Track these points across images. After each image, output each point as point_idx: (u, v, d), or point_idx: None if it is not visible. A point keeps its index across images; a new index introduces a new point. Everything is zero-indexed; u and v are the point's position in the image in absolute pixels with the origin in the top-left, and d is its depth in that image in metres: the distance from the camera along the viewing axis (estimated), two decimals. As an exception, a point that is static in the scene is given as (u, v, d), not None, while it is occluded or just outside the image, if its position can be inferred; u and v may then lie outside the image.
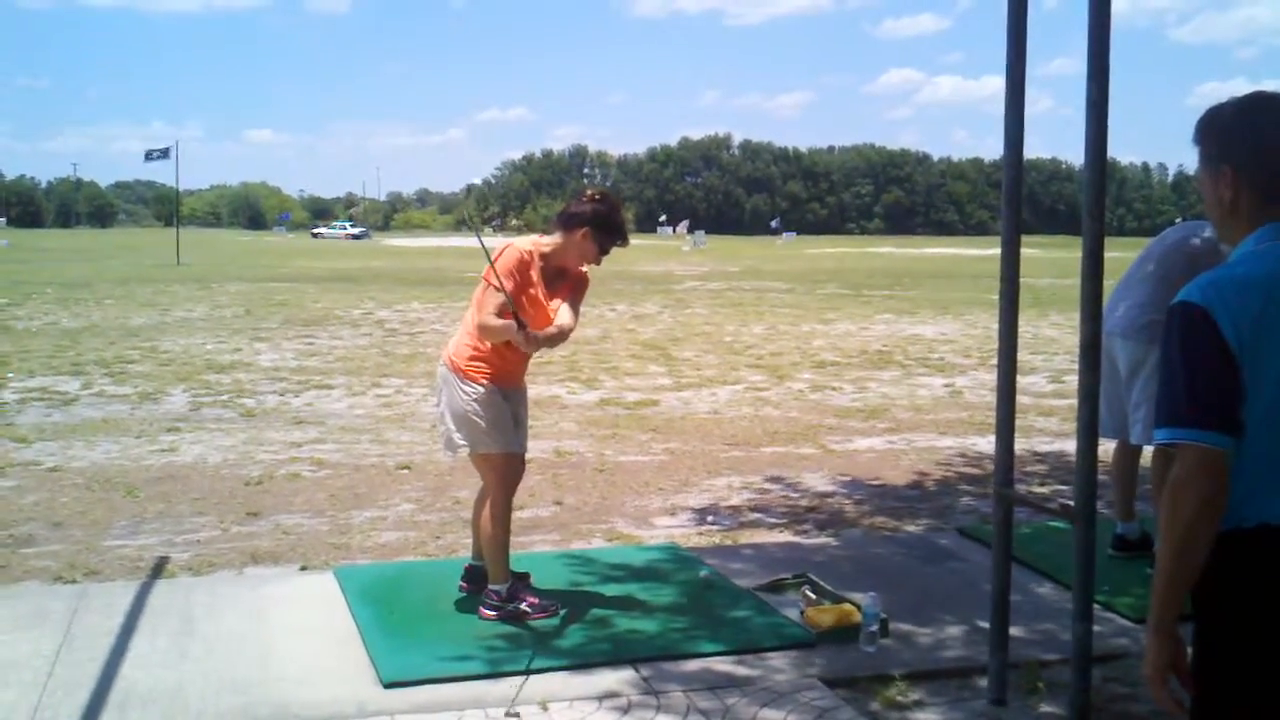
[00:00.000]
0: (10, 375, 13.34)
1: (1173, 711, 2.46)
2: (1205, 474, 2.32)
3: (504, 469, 5.24)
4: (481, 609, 5.21)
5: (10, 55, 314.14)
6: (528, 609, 5.19)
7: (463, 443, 5.18)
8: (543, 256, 5.23)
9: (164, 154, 48.88)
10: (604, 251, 5.31)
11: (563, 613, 5.24)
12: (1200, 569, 2.37)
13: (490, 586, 5.24)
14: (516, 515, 7.19)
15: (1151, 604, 2.44)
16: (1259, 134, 2.47)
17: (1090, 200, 3.85)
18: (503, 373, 5.21)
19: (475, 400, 5.13)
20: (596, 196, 5.34)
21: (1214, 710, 2.47)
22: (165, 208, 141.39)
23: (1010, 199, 4.33)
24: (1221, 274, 2.41)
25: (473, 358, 5.16)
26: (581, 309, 5.37)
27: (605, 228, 5.25)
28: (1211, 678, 2.46)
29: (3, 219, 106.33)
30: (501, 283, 4.96)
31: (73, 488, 7.88)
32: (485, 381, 5.15)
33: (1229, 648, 2.43)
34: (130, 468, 8.55)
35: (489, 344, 5.14)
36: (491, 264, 5.01)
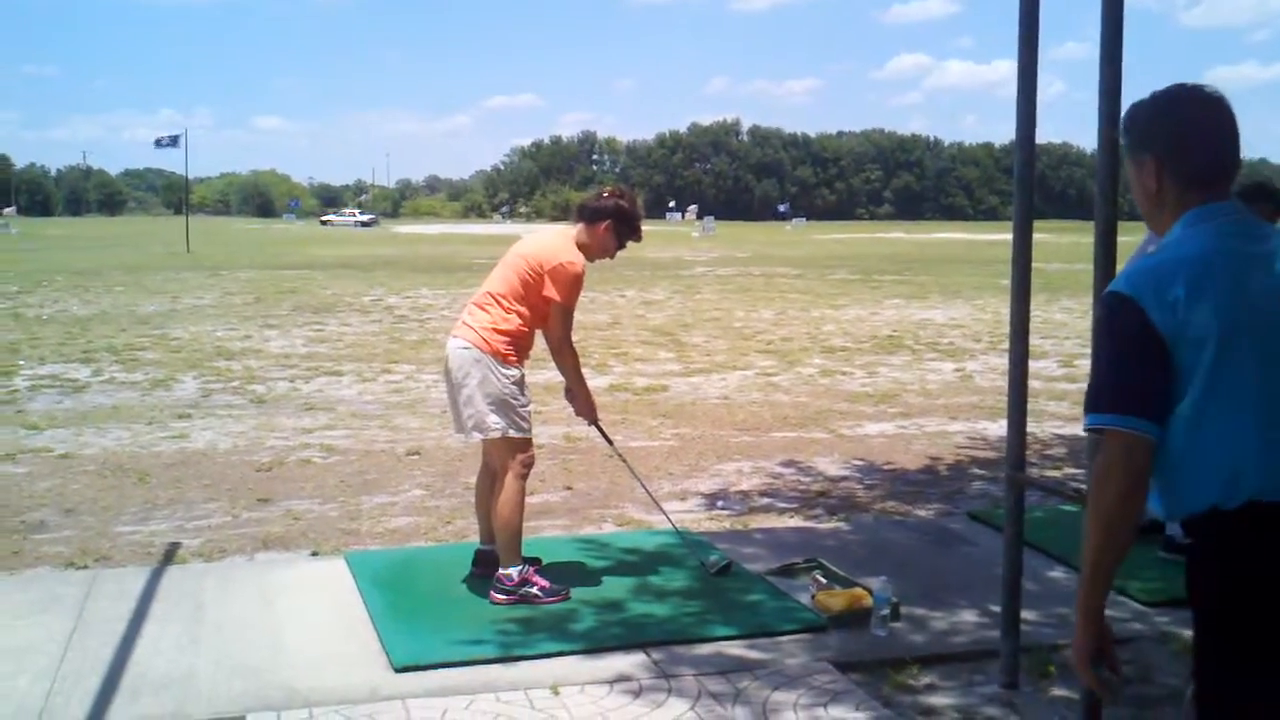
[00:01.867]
0: (22, 362, 13.38)
1: (1102, 694, 2.52)
2: (1127, 460, 2.37)
3: (527, 453, 5.29)
4: (492, 593, 5.22)
5: (19, 44, 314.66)
6: (538, 593, 5.19)
7: (497, 426, 5.18)
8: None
9: (174, 141, 49.04)
10: (621, 245, 5.48)
11: (573, 597, 5.24)
12: (1125, 553, 2.42)
13: (501, 571, 5.24)
14: (527, 501, 7.22)
15: (1079, 588, 2.48)
16: (1178, 124, 2.53)
17: (1103, 184, 3.83)
18: (525, 357, 5.34)
19: (514, 383, 5.20)
20: (618, 192, 5.50)
21: (1217, 691, 2.46)
22: (175, 195, 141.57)
23: (1022, 183, 4.31)
24: (1149, 261, 2.46)
25: (509, 343, 5.21)
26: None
27: (625, 223, 5.41)
28: (1213, 659, 2.46)
29: (13, 207, 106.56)
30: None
31: (84, 474, 7.90)
32: (519, 365, 5.24)
33: (1230, 623, 2.43)
34: (141, 454, 8.57)
35: (520, 329, 5.23)
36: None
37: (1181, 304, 2.35)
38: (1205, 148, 2.52)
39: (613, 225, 5.36)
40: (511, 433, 5.20)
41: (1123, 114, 2.70)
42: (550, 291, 5.19)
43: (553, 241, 5.36)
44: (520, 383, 5.23)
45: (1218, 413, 2.36)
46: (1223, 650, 2.45)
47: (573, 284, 5.24)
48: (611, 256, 5.52)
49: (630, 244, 5.53)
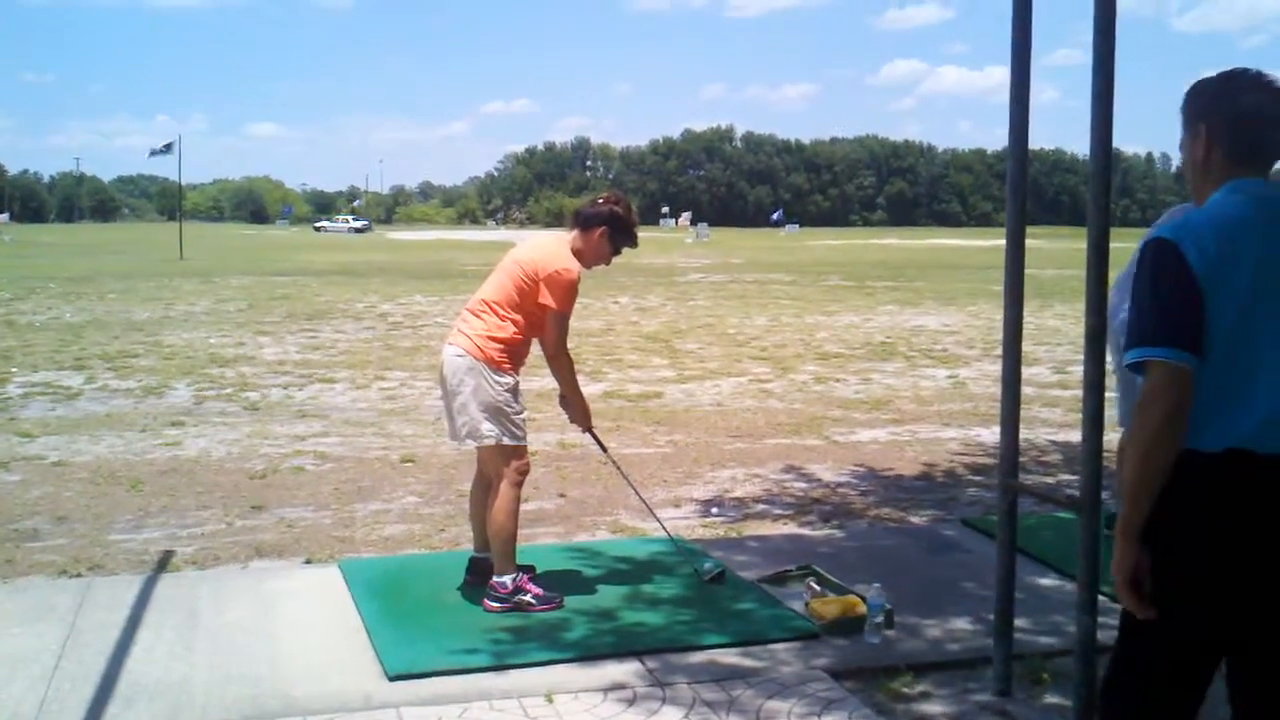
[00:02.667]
0: (14, 370, 13.35)
1: (1141, 613, 2.65)
2: (1172, 386, 2.54)
3: (522, 461, 5.30)
4: (486, 601, 5.22)
5: (14, 50, 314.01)
6: (532, 601, 5.19)
7: (490, 434, 5.18)
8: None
9: (167, 149, 48.93)
10: (616, 252, 5.49)
11: (566, 605, 5.24)
12: (1163, 477, 2.58)
13: (495, 579, 5.24)
14: (522, 507, 7.21)
15: (1120, 511, 2.65)
16: (1233, 101, 2.74)
17: (1096, 190, 3.84)
18: (520, 364, 5.34)
19: (508, 391, 5.20)
20: (613, 199, 5.51)
21: (1156, 625, 2.64)
22: (168, 202, 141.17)
23: (1015, 189, 4.33)
24: (1190, 216, 2.68)
25: (502, 350, 5.21)
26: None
27: (620, 229, 5.43)
28: (1162, 586, 2.63)
29: (6, 214, 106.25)
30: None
31: (77, 482, 7.89)
32: (512, 372, 5.24)
33: (1179, 561, 2.61)
34: (134, 462, 8.56)
35: (515, 336, 5.23)
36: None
37: (1213, 258, 2.54)
38: (1256, 129, 2.73)
39: (608, 232, 5.37)
40: (505, 440, 5.21)
41: (1187, 89, 2.86)
42: (546, 299, 5.19)
43: (548, 248, 5.36)
44: (514, 390, 5.23)
45: (1230, 363, 2.55)
46: (1160, 582, 2.62)
47: (568, 291, 5.24)
48: (607, 263, 5.54)
49: (625, 250, 5.54)
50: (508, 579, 5.22)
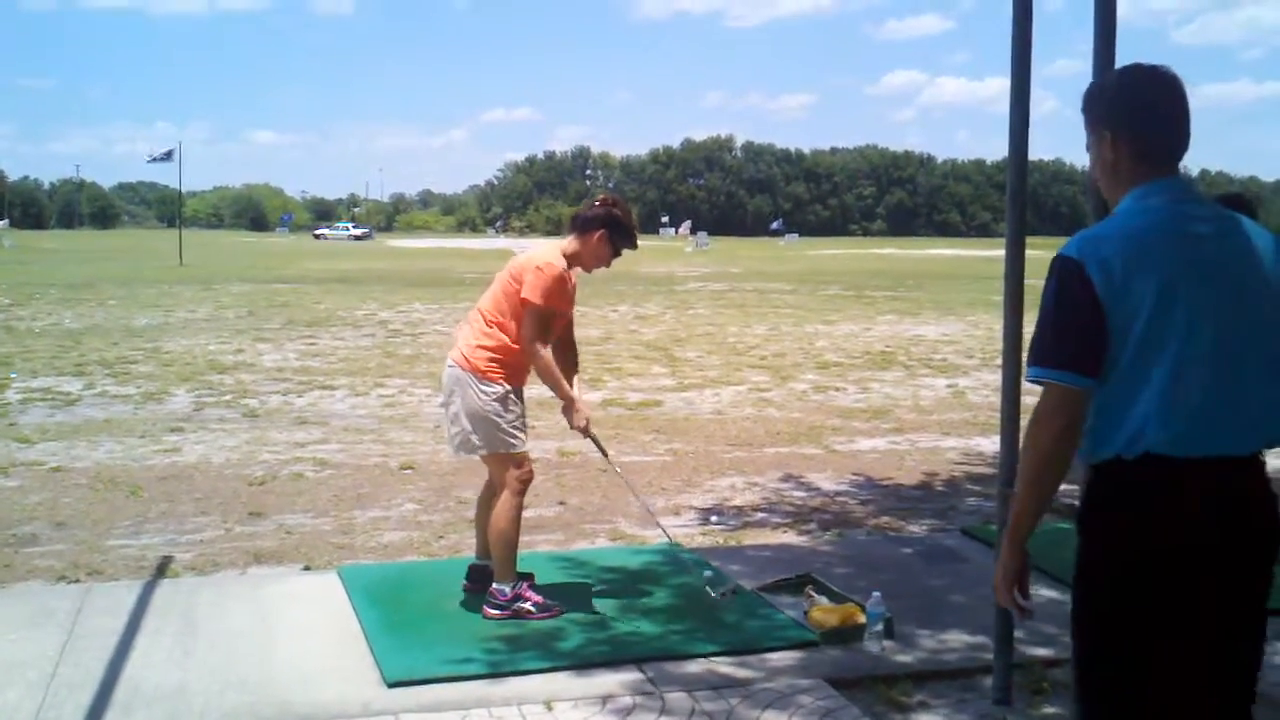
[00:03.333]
0: (13, 375, 13.35)
1: (1018, 613, 2.86)
2: (1063, 408, 2.62)
3: (521, 469, 5.28)
4: (485, 608, 5.22)
5: (14, 57, 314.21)
6: (531, 609, 5.19)
7: (480, 444, 5.18)
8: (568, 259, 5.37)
9: (167, 156, 49.05)
10: (616, 254, 5.47)
11: (565, 613, 5.23)
12: (1054, 491, 2.70)
13: (495, 585, 5.24)
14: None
15: (1010, 521, 2.79)
16: (1135, 102, 2.75)
17: (1096, 201, 3.84)
18: (516, 372, 5.29)
19: (496, 400, 5.17)
20: (610, 201, 5.50)
21: (1091, 623, 2.77)
22: (168, 209, 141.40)
23: (1015, 199, 4.33)
24: (1099, 230, 2.71)
25: (490, 358, 5.19)
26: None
27: (619, 230, 5.41)
28: (1090, 595, 2.77)
29: (5, 220, 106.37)
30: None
31: (76, 488, 7.89)
32: (503, 381, 5.20)
33: (1108, 568, 2.70)
34: (133, 468, 8.55)
35: (503, 344, 5.20)
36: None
37: (1118, 274, 2.57)
38: (1159, 127, 2.74)
39: (606, 234, 5.35)
40: (500, 450, 5.20)
41: (1084, 91, 2.88)
42: (525, 293, 5.15)
43: (536, 251, 5.37)
44: (503, 399, 5.18)
45: (1139, 373, 2.60)
46: (1100, 584, 2.73)
47: (544, 284, 5.14)
48: (607, 265, 5.51)
49: (625, 252, 5.52)
50: (507, 587, 5.22)
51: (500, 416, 5.17)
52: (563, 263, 5.27)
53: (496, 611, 5.19)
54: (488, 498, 5.48)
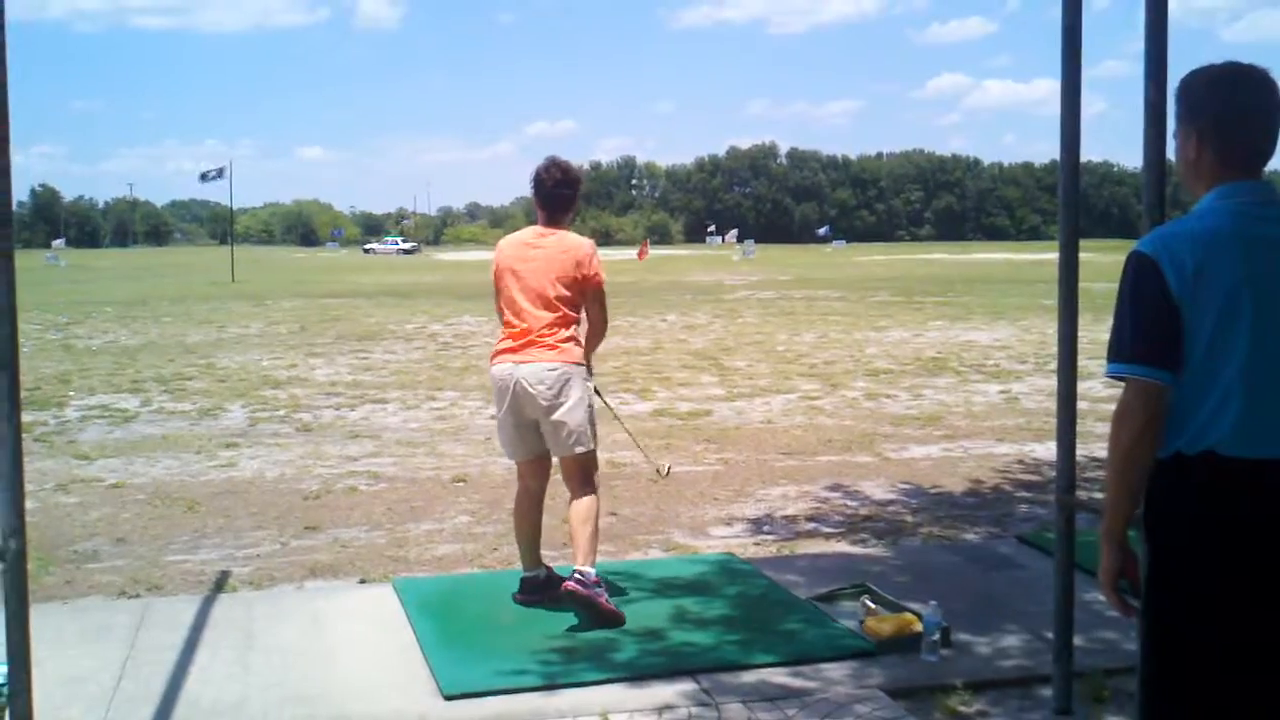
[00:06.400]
0: (72, 393, 13.55)
1: (1123, 613, 2.86)
2: (1144, 404, 2.65)
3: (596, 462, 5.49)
4: (567, 583, 5.19)
5: (66, 79, 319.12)
6: (605, 602, 5.19)
7: (590, 439, 5.33)
8: None
9: (219, 174, 49.67)
10: (541, 207, 5.54)
11: (624, 622, 5.21)
12: (1142, 485, 2.72)
13: (583, 567, 5.23)
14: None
15: (1103, 517, 2.81)
16: (1223, 103, 2.74)
17: (1150, 202, 3.81)
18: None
19: (593, 392, 5.39)
20: (537, 171, 5.57)
21: (1165, 618, 2.76)
22: (220, 226, 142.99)
23: (1068, 202, 4.29)
24: (1173, 227, 2.75)
25: (579, 351, 5.34)
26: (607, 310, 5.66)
27: (533, 186, 5.54)
28: (1162, 589, 2.76)
29: (61, 239, 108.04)
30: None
31: (134, 503, 7.99)
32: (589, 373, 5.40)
33: (1175, 561, 2.71)
34: (190, 483, 8.65)
35: (577, 333, 5.35)
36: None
37: (1190, 272, 2.60)
38: (1245, 130, 2.74)
39: (534, 196, 5.55)
40: (593, 445, 5.39)
41: (1178, 83, 2.87)
42: (599, 275, 5.38)
43: (563, 244, 5.41)
44: (591, 393, 5.42)
45: (1208, 372, 2.62)
46: (1164, 584, 2.74)
47: (600, 262, 5.48)
48: (544, 225, 5.56)
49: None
50: (593, 571, 5.23)
51: (592, 409, 5.32)
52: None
53: (577, 587, 5.15)
54: (527, 507, 5.51)
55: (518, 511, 5.64)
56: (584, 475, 5.35)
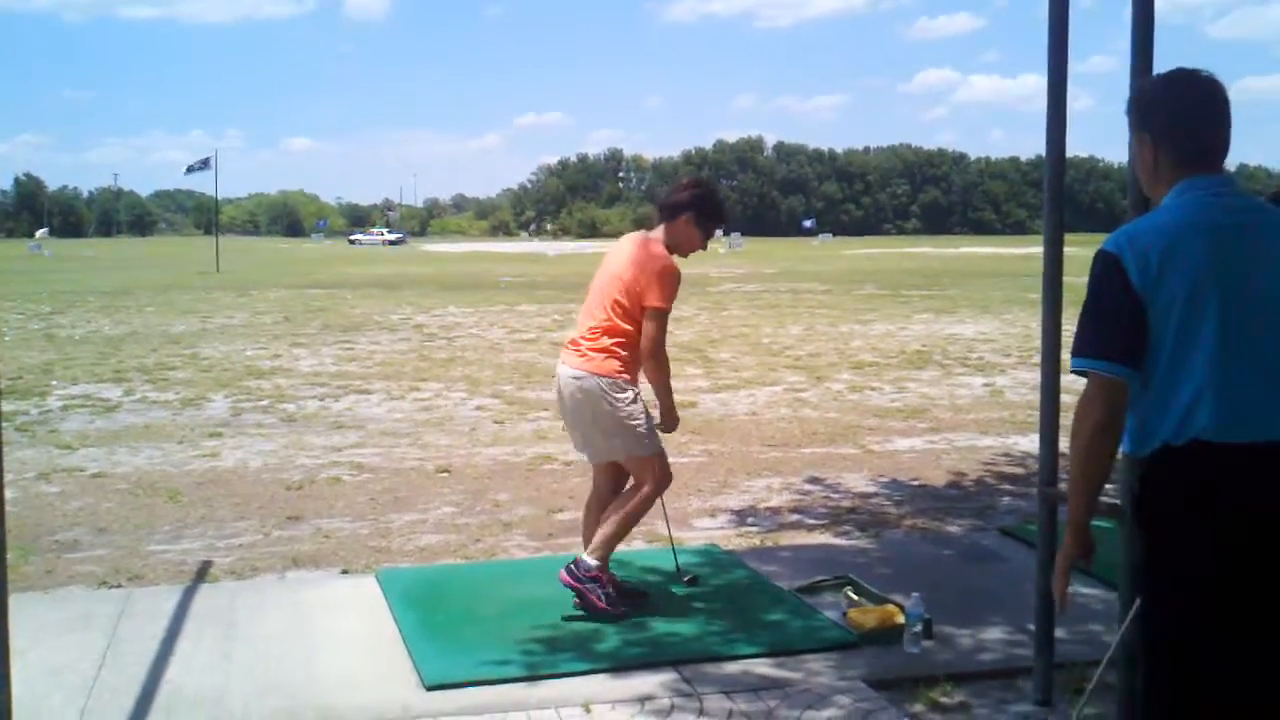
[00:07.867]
0: (54, 383, 13.48)
1: (1060, 603, 3.01)
2: (1105, 398, 2.72)
3: (661, 469, 5.31)
4: (562, 572, 5.19)
5: (53, 68, 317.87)
6: (599, 598, 5.15)
7: (622, 449, 5.22)
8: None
9: (204, 165, 49.41)
10: (708, 235, 5.41)
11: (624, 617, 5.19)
12: (1102, 476, 2.79)
13: (583, 556, 5.22)
14: (558, 518, 7.22)
15: (1068, 506, 2.90)
16: (1174, 104, 2.84)
17: (1135, 197, 3.80)
18: (636, 373, 5.29)
19: (631, 404, 5.18)
20: (693, 183, 5.42)
21: (1163, 608, 2.80)
22: (205, 216, 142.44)
23: (1053, 196, 4.30)
24: (1139, 223, 2.82)
25: (621, 363, 5.18)
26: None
27: (705, 211, 5.33)
28: (1160, 580, 2.81)
29: (45, 229, 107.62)
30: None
31: (116, 493, 7.96)
32: (633, 384, 5.22)
33: (1173, 552, 2.74)
34: (173, 473, 8.62)
35: (627, 346, 5.18)
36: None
37: (1154, 266, 2.67)
38: (1197, 132, 2.82)
39: (694, 216, 5.26)
40: (640, 453, 5.24)
41: (1130, 94, 2.99)
42: (650, 298, 5.11)
43: (638, 252, 5.24)
44: (637, 401, 5.21)
45: (1180, 364, 2.68)
46: (1157, 572, 2.80)
47: (673, 288, 5.15)
48: (703, 248, 5.46)
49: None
50: (595, 564, 5.20)
51: (637, 420, 5.17)
52: (669, 257, 5.21)
53: (570, 579, 5.15)
54: (591, 504, 5.48)
55: (585, 507, 5.62)
56: (639, 478, 5.29)
